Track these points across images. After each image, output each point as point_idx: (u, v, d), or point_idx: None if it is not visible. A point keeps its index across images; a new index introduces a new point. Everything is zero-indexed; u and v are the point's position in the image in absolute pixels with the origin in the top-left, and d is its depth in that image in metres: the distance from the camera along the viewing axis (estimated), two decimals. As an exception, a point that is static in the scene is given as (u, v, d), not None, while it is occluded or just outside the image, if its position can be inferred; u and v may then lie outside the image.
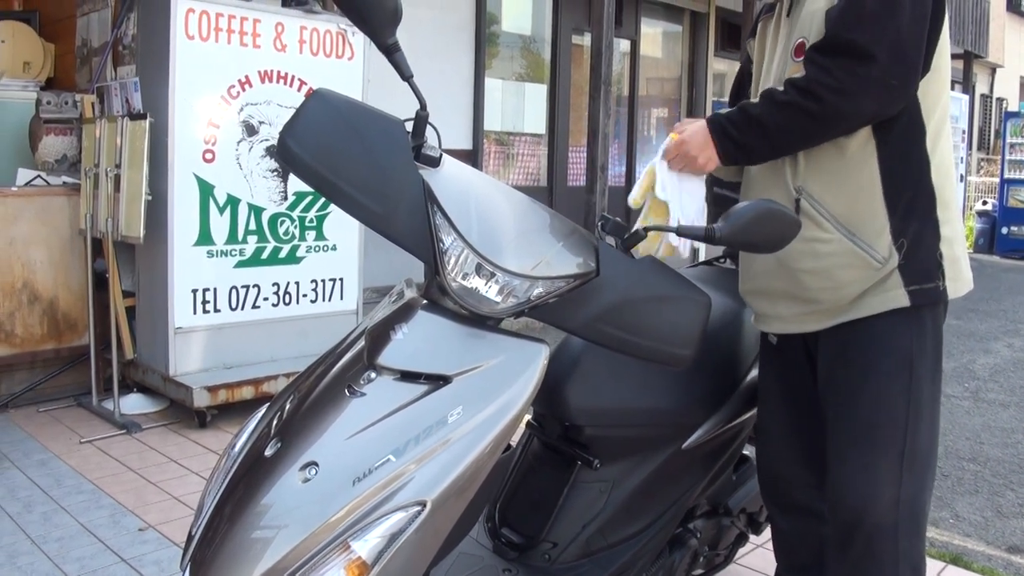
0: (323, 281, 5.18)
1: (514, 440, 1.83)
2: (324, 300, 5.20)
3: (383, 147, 1.68)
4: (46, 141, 5.16)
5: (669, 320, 1.79)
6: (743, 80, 2.32)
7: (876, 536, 1.95)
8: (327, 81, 4.78)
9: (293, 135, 1.68)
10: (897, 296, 1.92)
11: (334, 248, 5.20)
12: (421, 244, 1.67)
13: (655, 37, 10.75)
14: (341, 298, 5.26)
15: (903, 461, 1.94)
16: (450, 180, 1.72)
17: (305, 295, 5.11)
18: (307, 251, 5.08)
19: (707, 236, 1.72)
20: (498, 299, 1.66)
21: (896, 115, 1.87)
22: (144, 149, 4.36)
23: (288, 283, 5.03)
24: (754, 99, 1.95)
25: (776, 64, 2.04)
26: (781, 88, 1.87)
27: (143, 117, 4.40)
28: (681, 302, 1.80)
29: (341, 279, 5.25)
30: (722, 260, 2.78)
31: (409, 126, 1.73)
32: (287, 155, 1.68)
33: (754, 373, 2.37)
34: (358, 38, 5.10)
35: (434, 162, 1.72)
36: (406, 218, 1.67)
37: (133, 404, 4.83)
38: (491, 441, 1.58)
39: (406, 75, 1.73)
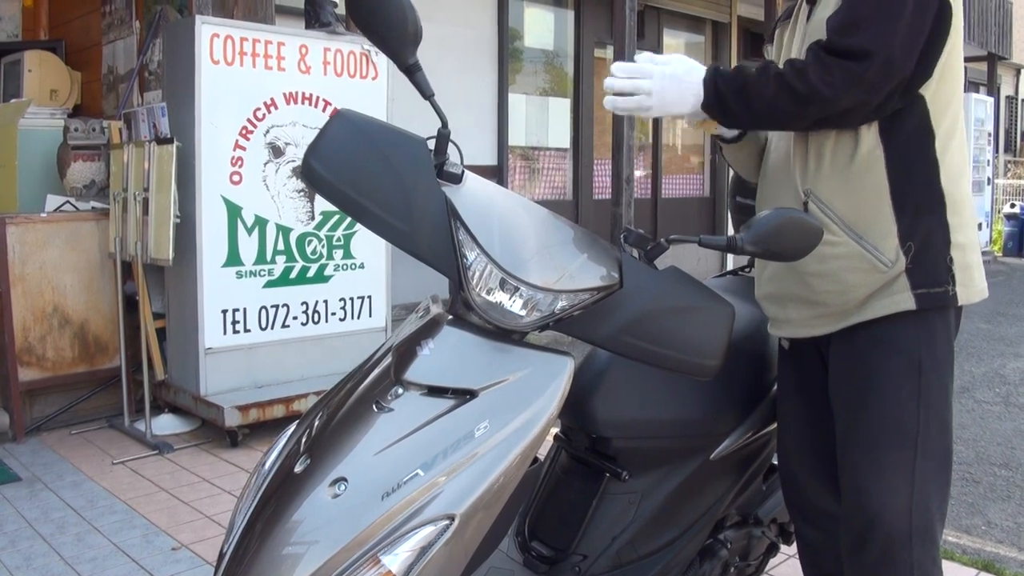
0: (351, 299, 5.20)
1: (542, 453, 1.83)
2: (352, 318, 5.22)
3: (406, 165, 1.70)
4: (74, 167, 5.23)
5: (694, 330, 1.79)
6: None
7: (890, 544, 1.93)
8: (352, 101, 4.83)
9: (317, 155, 1.70)
10: (903, 299, 1.91)
11: (362, 266, 5.23)
12: (445, 260, 1.68)
13: (678, 48, 10.74)
14: (370, 316, 5.29)
15: (915, 467, 1.92)
16: (472, 196, 1.74)
17: (334, 313, 5.14)
18: (335, 270, 5.12)
19: (729, 246, 1.72)
20: (522, 313, 1.67)
21: (905, 118, 1.87)
22: (172, 173, 4.41)
23: (317, 302, 5.06)
24: None
25: None
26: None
27: (170, 141, 4.44)
28: (706, 312, 1.80)
29: (369, 297, 5.28)
30: (746, 269, 2.78)
31: (432, 144, 1.75)
32: (311, 175, 1.70)
33: (781, 382, 2.36)
34: (381, 58, 5.13)
35: (456, 179, 1.74)
36: (430, 235, 1.68)
37: (165, 425, 4.87)
38: (518, 454, 1.59)
39: (427, 94, 1.75)
